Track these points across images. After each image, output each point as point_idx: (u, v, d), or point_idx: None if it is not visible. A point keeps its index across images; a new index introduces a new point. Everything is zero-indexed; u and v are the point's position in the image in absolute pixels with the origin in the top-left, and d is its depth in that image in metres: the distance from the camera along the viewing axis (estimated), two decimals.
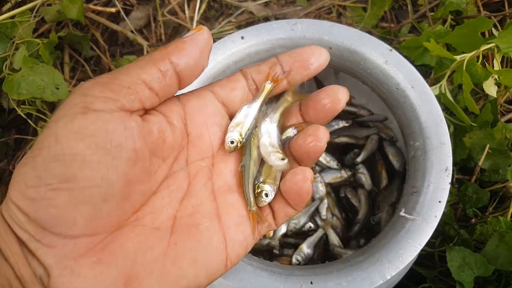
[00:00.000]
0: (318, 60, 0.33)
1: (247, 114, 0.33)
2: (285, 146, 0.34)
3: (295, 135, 0.34)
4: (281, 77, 0.33)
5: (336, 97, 0.32)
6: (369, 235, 0.63)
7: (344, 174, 0.67)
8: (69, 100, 0.26)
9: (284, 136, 0.34)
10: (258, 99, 0.33)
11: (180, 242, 0.28)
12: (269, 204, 0.33)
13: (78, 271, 0.25)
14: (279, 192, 0.33)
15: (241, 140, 0.32)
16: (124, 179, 0.26)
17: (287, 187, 0.32)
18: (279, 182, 0.33)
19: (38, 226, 0.24)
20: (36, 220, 0.24)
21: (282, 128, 0.34)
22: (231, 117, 0.34)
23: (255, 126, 0.33)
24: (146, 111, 0.29)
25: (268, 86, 0.33)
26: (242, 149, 0.33)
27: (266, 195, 0.32)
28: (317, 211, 0.65)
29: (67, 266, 0.25)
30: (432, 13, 0.78)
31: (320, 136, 0.31)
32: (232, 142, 0.32)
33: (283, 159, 0.32)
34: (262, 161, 0.34)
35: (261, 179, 0.32)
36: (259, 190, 0.32)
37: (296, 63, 0.33)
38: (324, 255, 0.61)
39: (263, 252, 0.62)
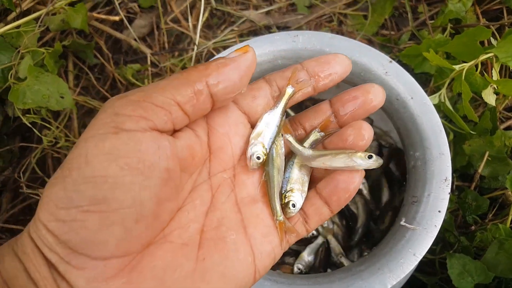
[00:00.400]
0: (343, 67, 0.32)
1: (268, 123, 0.32)
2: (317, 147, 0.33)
3: (323, 137, 0.33)
4: (305, 83, 0.32)
5: (369, 96, 0.32)
6: (371, 243, 0.63)
7: None
8: (100, 119, 0.26)
9: (310, 140, 0.33)
10: (278, 104, 0.32)
11: (208, 257, 0.28)
12: (301, 209, 0.32)
13: None
14: (313, 195, 0.32)
15: (265, 152, 0.31)
16: (156, 199, 0.26)
17: (332, 187, 0.31)
18: (313, 185, 0.33)
19: (68, 248, 0.24)
20: (66, 242, 0.24)
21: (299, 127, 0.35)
22: (253, 125, 0.33)
23: (278, 133, 0.32)
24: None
25: (289, 90, 0.32)
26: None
27: (294, 205, 0.31)
28: None
29: None
30: (432, 21, 0.79)
31: (363, 133, 0.31)
32: (258, 158, 0.31)
33: (370, 156, 0.30)
34: (286, 167, 0.33)
35: (288, 187, 0.32)
36: (286, 201, 0.31)
37: (322, 69, 0.32)
38: (326, 263, 0.62)
39: None
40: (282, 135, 0.33)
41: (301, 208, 0.32)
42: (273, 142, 0.32)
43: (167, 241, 0.27)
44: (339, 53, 0.33)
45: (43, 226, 0.24)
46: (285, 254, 0.64)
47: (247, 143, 0.32)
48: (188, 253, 0.27)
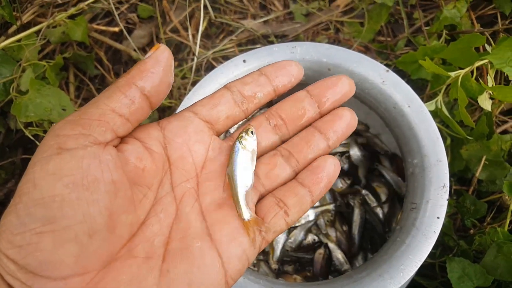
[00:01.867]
0: (298, 71, 0.33)
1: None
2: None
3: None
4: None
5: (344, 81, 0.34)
6: (375, 248, 0.64)
7: (344, 183, 0.68)
8: (43, 143, 0.27)
9: None
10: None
11: (172, 268, 0.28)
12: (281, 199, 0.32)
13: None
14: (295, 185, 0.32)
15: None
16: (107, 212, 0.26)
17: (315, 174, 0.32)
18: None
19: (28, 272, 0.24)
20: (25, 267, 0.24)
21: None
22: (219, 133, 0.33)
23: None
24: (122, 139, 0.29)
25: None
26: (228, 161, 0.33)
27: (252, 132, 0.32)
28: (317, 226, 0.66)
29: None
30: (427, 27, 0.80)
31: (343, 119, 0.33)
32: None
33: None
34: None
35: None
36: (243, 133, 0.32)
37: (281, 73, 0.33)
38: (327, 270, 0.62)
39: (270, 273, 0.63)
40: (247, 133, 0.33)
41: (282, 200, 0.32)
42: (236, 139, 0.32)
43: (131, 256, 0.27)
44: (288, 60, 0.34)
45: (3, 255, 0.25)
46: (285, 262, 0.64)
47: (208, 150, 0.33)
48: (152, 266, 0.27)
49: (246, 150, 0.32)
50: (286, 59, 0.34)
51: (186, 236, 0.29)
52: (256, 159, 0.33)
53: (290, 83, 0.34)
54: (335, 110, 0.34)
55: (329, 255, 0.62)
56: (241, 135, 0.32)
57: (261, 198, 0.33)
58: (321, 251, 0.62)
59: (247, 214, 0.31)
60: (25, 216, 0.24)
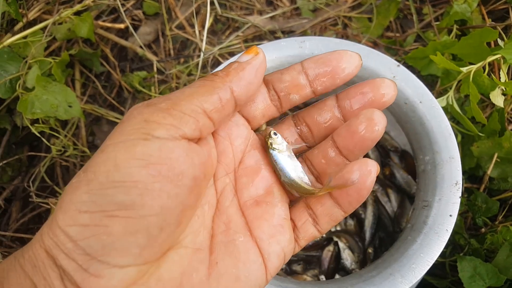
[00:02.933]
0: (350, 65, 0.30)
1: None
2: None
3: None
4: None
5: (379, 91, 0.30)
6: (385, 247, 0.63)
7: None
8: (129, 125, 0.25)
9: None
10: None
11: (220, 260, 0.28)
12: (311, 208, 0.31)
13: None
14: (323, 194, 0.31)
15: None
16: (181, 207, 0.26)
17: (342, 184, 0.29)
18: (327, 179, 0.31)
19: (87, 254, 0.23)
20: (85, 248, 0.23)
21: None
22: (253, 129, 0.33)
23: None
24: None
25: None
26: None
27: (275, 133, 0.31)
28: None
29: None
30: (437, 23, 0.79)
31: (376, 120, 0.29)
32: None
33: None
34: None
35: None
36: (269, 140, 0.31)
37: (323, 71, 0.30)
38: (335, 269, 0.61)
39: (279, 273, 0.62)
40: (271, 137, 0.32)
41: (311, 208, 0.31)
42: (267, 148, 0.32)
43: (182, 246, 0.27)
44: (344, 50, 0.31)
45: (61, 231, 0.23)
46: (293, 262, 0.63)
47: (247, 145, 0.32)
48: (202, 258, 0.27)
49: (282, 152, 0.31)
50: (341, 50, 0.31)
51: (228, 230, 0.29)
52: None
53: (333, 85, 0.31)
54: (363, 112, 0.31)
55: (338, 252, 0.61)
56: (269, 142, 0.32)
57: (292, 202, 0.33)
58: (330, 248, 0.61)
59: (318, 191, 0.30)
60: (100, 196, 0.23)
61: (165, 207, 0.24)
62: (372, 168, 0.28)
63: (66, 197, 0.24)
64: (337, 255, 0.61)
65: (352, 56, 0.30)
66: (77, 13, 0.74)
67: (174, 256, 0.26)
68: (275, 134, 0.32)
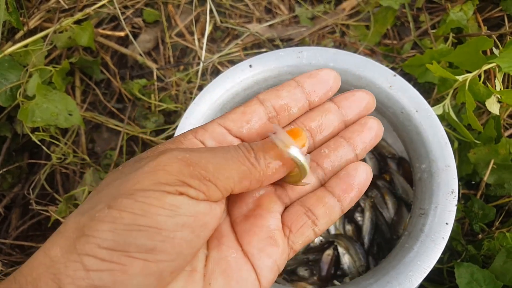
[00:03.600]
0: (335, 81, 0.33)
1: None
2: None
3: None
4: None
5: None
6: (382, 254, 0.63)
7: None
8: (162, 175, 0.25)
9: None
10: None
11: (213, 280, 0.28)
12: (309, 209, 0.31)
13: None
14: (324, 194, 0.31)
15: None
16: (195, 251, 0.26)
17: (346, 183, 0.31)
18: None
19: (94, 286, 0.23)
20: (95, 280, 0.23)
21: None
22: None
23: None
24: None
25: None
26: None
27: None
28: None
29: None
30: (434, 30, 0.80)
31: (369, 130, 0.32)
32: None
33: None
34: None
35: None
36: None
37: (318, 84, 0.32)
38: (333, 275, 0.62)
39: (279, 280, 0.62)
40: None
41: (310, 209, 0.31)
42: None
43: (182, 270, 0.27)
44: (326, 68, 0.33)
45: (78, 257, 0.23)
46: (291, 272, 0.64)
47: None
48: (196, 280, 0.28)
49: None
50: (324, 68, 0.33)
51: (221, 245, 0.29)
52: None
53: (327, 96, 0.33)
54: (362, 119, 0.34)
55: (337, 256, 0.61)
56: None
57: (287, 207, 0.32)
58: (329, 252, 0.62)
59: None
60: (123, 236, 0.24)
61: (180, 254, 0.25)
62: (368, 168, 0.31)
63: (91, 229, 0.24)
64: (336, 259, 0.61)
65: (334, 73, 0.33)
66: (78, 22, 0.75)
67: (174, 284, 0.27)
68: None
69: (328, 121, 0.33)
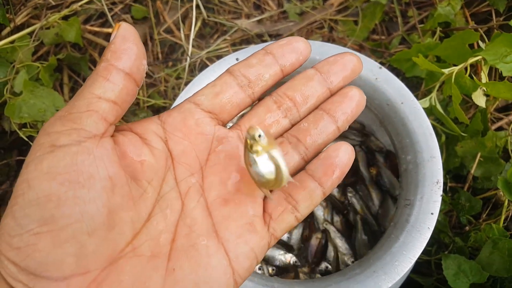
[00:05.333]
0: (305, 47, 0.32)
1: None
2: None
3: None
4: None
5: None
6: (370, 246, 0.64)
7: None
8: (35, 143, 0.26)
9: None
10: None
11: (178, 267, 0.27)
12: (289, 194, 0.30)
13: None
14: (304, 178, 0.30)
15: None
16: (105, 210, 0.25)
17: (327, 165, 0.30)
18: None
19: (30, 274, 0.24)
20: (26, 268, 0.24)
21: None
22: (224, 122, 0.32)
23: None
24: (119, 132, 0.29)
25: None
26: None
27: (259, 135, 0.27)
28: (313, 217, 0.66)
29: None
30: (421, 25, 0.81)
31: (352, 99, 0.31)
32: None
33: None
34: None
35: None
36: (250, 141, 0.27)
37: (288, 51, 0.31)
38: (321, 256, 0.62)
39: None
40: (254, 139, 0.28)
41: (290, 195, 0.30)
42: (246, 150, 0.28)
43: (136, 255, 0.27)
44: (293, 36, 0.32)
45: (4, 257, 0.24)
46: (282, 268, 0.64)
47: (212, 142, 0.31)
48: (157, 265, 0.27)
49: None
50: (291, 37, 0.32)
51: (192, 233, 0.28)
52: None
53: (298, 61, 0.32)
54: (343, 89, 0.32)
55: (325, 241, 0.61)
56: (249, 143, 0.28)
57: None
58: (318, 235, 0.61)
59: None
60: (22, 218, 0.24)
61: (85, 212, 0.25)
62: (350, 147, 0.30)
63: (0, 225, 0.25)
64: (325, 244, 0.61)
65: (304, 42, 0.32)
66: (65, 18, 0.74)
67: (125, 264, 0.26)
68: (259, 136, 0.27)
69: (312, 90, 0.32)
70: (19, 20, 0.75)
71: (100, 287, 0.25)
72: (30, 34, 0.72)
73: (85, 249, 0.25)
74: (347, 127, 0.32)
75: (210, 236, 0.28)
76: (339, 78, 0.32)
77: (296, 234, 0.63)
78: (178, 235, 0.28)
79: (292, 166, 0.31)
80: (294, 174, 0.31)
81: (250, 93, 0.31)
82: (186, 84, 0.56)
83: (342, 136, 0.70)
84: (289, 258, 0.59)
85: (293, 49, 0.32)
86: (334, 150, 0.31)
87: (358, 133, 0.69)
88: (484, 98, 0.64)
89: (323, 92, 0.32)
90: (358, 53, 0.51)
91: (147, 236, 0.27)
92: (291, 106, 0.32)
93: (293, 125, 0.32)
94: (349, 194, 0.66)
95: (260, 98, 0.33)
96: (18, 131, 0.66)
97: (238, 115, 0.39)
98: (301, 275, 0.60)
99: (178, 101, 0.51)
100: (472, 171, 0.67)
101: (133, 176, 0.28)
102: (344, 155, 0.30)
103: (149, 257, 0.27)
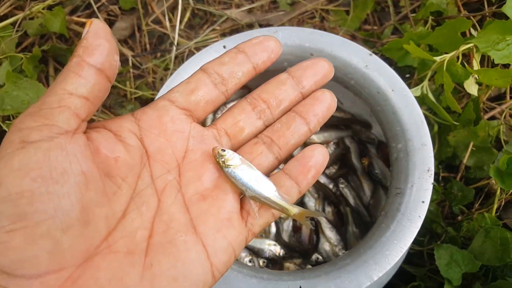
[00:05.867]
0: (276, 45, 0.32)
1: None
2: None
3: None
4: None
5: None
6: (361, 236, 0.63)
7: (332, 169, 0.67)
8: (5, 140, 0.25)
9: None
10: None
11: (156, 263, 0.27)
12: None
13: None
14: (281, 176, 0.32)
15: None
16: (79, 205, 0.25)
17: (302, 165, 0.31)
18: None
19: (3, 273, 0.23)
20: (0, 267, 0.23)
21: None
22: (199, 120, 0.32)
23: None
24: (92, 129, 0.28)
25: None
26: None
27: (223, 149, 0.30)
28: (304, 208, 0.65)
29: None
30: (413, 14, 0.80)
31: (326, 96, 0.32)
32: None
33: None
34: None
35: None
36: (220, 159, 0.30)
37: (259, 49, 0.32)
38: (315, 246, 0.61)
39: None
40: (221, 156, 0.31)
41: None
42: (222, 168, 0.30)
43: (111, 252, 0.26)
44: (264, 35, 0.33)
45: None
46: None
47: (188, 139, 0.31)
48: (134, 262, 0.27)
49: (238, 167, 0.30)
50: (263, 35, 0.33)
51: (169, 229, 0.28)
52: (241, 146, 0.32)
53: (270, 59, 0.32)
54: (315, 93, 0.33)
55: (317, 231, 0.61)
56: (220, 161, 0.30)
57: None
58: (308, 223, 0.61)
59: (294, 209, 0.31)
60: None
61: (58, 208, 0.24)
62: (324, 150, 0.32)
63: None
64: (317, 234, 0.60)
65: (275, 41, 0.33)
66: (50, 8, 0.73)
67: (101, 261, 0.26)
68: (223, 150, 0.30)
69: (284, 93, 0.33)
70: (2, 10, 0.74)
71: (75, 285, 0.25)
72: (13, 24, 0.70)
73: (60, 245, 0.24)
74: (319, 128, 0.33)
75: (188, 231, 0.29)
76: (311, 82, 0.33)
77: (287, 226, 0.62)
78: (155, 232, 0.28)
79: (267, 165, 0.32)
80: (268, 173, 0.32)
81: (224, 90, 0.32)
82: (172, 74, 0.55)
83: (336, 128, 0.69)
84: (279, 250, 0.58)
85: (265, 47, 0.32)
86: (310, 151, 0.32)
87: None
88: (476, 87, 0.63)
89: (296, 96, 0.33)
90: (349, 40, 0.50)
91: (122, 233, 0.27)
92: (265, 108, 0.33)
93: (266, 126, 0.33)
94: (341, 185, 0.65)
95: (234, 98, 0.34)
96: (1, 124, 0.65)
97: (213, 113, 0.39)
98: (292, 266, 0.59)
99: (163, 89, 0.50)
100: (465, 161, 0.66)
101: (107, 172, 0.27)
102: (319, 156, 0.32)
103: (126, 253, 0.27)
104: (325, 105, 0.33)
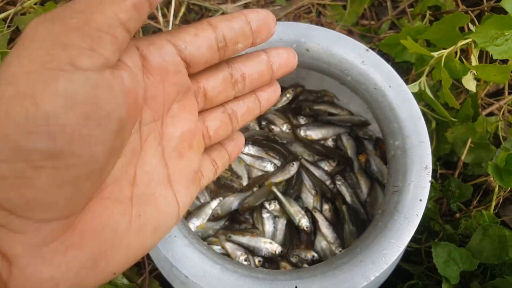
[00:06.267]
0: (274, 25, 0.32)
1: None
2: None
3: None
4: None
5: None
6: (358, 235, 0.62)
7: (329, 166, 0.66)
8: (39, 47, 0.20)
9: None
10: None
11: (142, 213, 0.27)
12: (213, 158, 0.35)
13: (51, 258, 0.22)
14: (220, 148, 0.36)
15: None
16: (108, 154, 0.23)
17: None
18: None
19: (4, 210, 0.20)
20: (3, 203, 0.20)
21: None
22: (189, 75, 0.30)
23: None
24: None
25: None
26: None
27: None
28: (303, 204, 0.64)
29: (39, 255, 0.21)
30: (411, 9, 0.79)
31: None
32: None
33: None
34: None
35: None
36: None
37: (262, 24, 0.31)
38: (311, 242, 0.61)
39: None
40: None
41: (213, 159, 0.35)
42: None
43: (103, 198, 0.25)
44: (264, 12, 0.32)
45: None
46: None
47: (181, 93, 0.30)
48: (123, 211, 0.26)
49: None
50: (268, 16, 0.31)
51: (151, 181, 0.28)
52: (210, 110, 0.34)
53: (267, 39, 0.32)
54: (273, 82, 0.35)
55: (314, 228, 0.60)
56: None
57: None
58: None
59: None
60: (21, 141, 0.19)
61: (93, 155, 0.21)
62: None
63: None
64: (314, 231, 0.60)
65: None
66: (42, 3, 0.71)
67: (95, 208, 0.24)
68: None
69: (261, 76, 0.34)
70: None
71: (75, 231, 0.23)
72: (5, 20, 0.69)
73: (79, 193, 0.22)
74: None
75: (166, 186, 0.30)
76: (280, 73, 0.34)
77: (282, 224, 0.61)
78: (139, 182, 0.28)
79: (224, 136, 0.35)
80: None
81: (222, 54, 0.30)
82: None
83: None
84: (275, 248, 0.57)
85: (268, 29, 0.32)
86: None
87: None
88: (475, 82, 0.62)
89: (267, 80, 0.34)
90: (345, 36, 0.50)
91: (111, 179, 0.25)
92: (240, 82, 0.33)
93: (234, 97, 0.34)
94: (338, 182, 0.64)
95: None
96: None
97: None
98: (288, 265, 0.58)
99: None
100: (463, 158, 0.66)
101: (132, 118, 0.25)
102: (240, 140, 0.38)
103: (114, 201, 0.26)
104: (276, 95, 0.36)
